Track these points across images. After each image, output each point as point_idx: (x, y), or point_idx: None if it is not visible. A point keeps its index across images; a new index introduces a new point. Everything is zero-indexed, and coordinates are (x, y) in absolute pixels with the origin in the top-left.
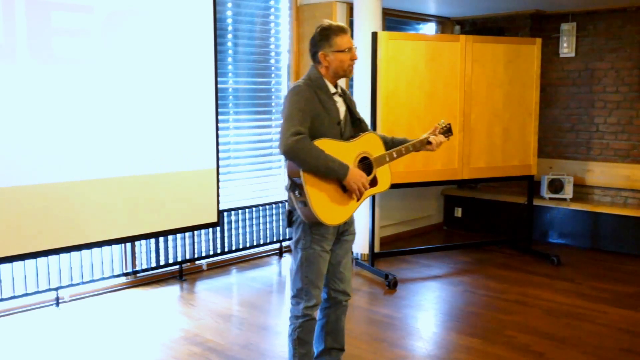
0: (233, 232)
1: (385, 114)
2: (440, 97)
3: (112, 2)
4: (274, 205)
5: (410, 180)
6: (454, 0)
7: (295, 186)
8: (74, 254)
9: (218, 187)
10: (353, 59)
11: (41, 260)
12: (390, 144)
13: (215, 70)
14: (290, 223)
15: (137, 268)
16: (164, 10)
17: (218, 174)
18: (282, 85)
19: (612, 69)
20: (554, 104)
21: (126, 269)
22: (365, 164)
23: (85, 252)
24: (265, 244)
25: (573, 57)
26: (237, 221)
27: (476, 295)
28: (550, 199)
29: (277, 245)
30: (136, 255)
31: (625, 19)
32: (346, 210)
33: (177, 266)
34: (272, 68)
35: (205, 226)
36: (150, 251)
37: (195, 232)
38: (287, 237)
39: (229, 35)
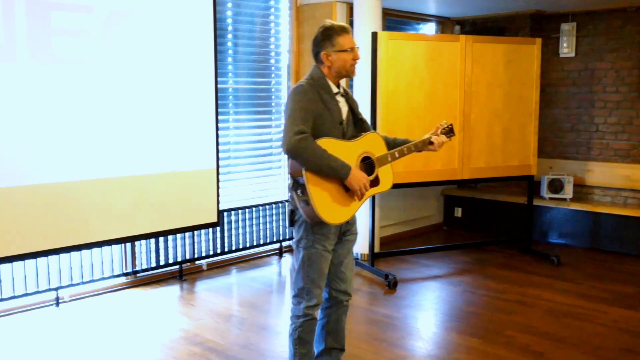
0: (233, 232)
1: (385, 114)
2: (440, 97)
3: (112, 2)
4: (274, 205)
5: (410, 180)
6: (454, 0)
7: (297, 185)
8: (74, 254)
9: (218, 187)
10: (355, 58)
11: (41, 260)
12: (392, 144)
13: (215, 70)
14: (292, 222)
15: (137, 268)
16: (164, 10)
17: (218, 174)
18: (282, 85)
19: (612, 69)
20: (554, 104)
21: (126, 269)
22: (367, 164)
23: (85, 252)
24: (265, 244)
25: (573, 57)
26: (237, 221)
27: (476, 295)
28: (550, 199)
29: (277, 245)
30: (136, 255)
31: (625, 19)
32: (348, 210)
33: (177, 266)
34: (272, 68)
35: (205, 226)
36: (150, 251)
37: (195, 232)
38: (287, 237)
39: (229, 35)
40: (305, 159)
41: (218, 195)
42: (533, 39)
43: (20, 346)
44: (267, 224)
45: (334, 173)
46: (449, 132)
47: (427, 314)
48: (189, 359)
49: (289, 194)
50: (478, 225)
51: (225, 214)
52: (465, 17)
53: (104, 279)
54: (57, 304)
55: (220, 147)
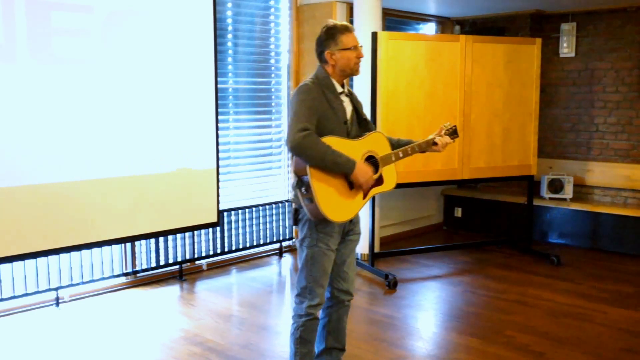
0: (233, 232)
1: (385, 114)
2: (440, 97)
3: (112, 2)
4: (274, 205)
5: (410, 180)
6: (454, 0)
7: (301, 183)
8: (74, 254)
9: (218, 187)
10: (359, 56)
11: (41, 260)
12: (396, 145)
13: (215, 70)
14: (296, 221)
15: (137, 268)
16: (164, 10)
17: (218, 174)
18: (282, 85)
19: (612, 69)
20: (554, 104)
21: (126, 269)
22: (371, 163)
23: (85, 252)
24: (265, 244)
25: (573, 57)
26: (237, 221)
27: (476, 295)
28: (550, 199)
29: (277, 245)
30: (136, 255)
31: (625, 19)
32: (352, 208)
33: (177, 266)
34: (272, 68)
35: (205, 226)
36: (150, 251)
37: (195, 232)
38: (287, 237)
39: (229, 35)
40: (309, 155)
41: (218, 195)
42: (533, 39)
43: (20, 346)
44: (267, 224)
45: (339, 168)
46: (453, 133)
47: (427, 314)
48: (189, 359)
49: (293, 193)
50: (478, 225)
51: (225, 214)
52: (465, 17)
53: (104, 279)
54: (57, 304)
55: (220, 147)
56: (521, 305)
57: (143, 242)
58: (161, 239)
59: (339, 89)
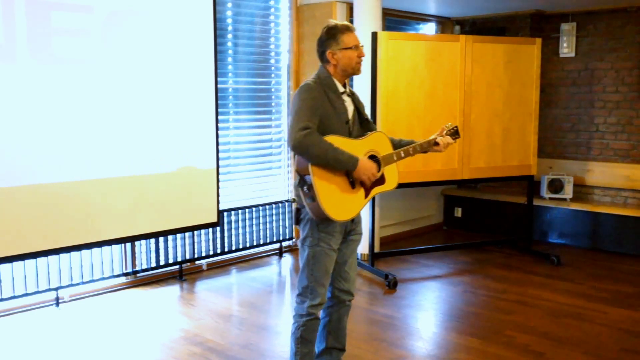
0: (233, 232)
1: (385, 114)
2: (440, 97)
3: (112, 2)
4: (274, 205)
5: (410, 180)
6: (454, 0)
7: (304, 182)
8: (74, 254)
9: (218, 187)
10: (360, 55)
11: (41, 260)
12: (397, 145)
13: (215, 70)
14: (298, 221)
15: (137, 268)
16: (164, 10)
17: (218, 174)
18: (282, 85)
19: (612, 69)
20: (554, 104)
21: (126, 269)
22: (374, 162)
23: (85, 252)
24: (265, 244)
25: (573, 57)
26: (237, 221)
27: (476, 295)
28: (550, 199)
29: (277, 245)
30: (136, 255)
31: (625, 19)
32: (354, 207)
33: (177, 266)
34: (272, 68)
35: (205, 226)
36: (150, 251)
37: (195, 232)
38: (287, 237)
39: (229, 35)
40: (311, 153)
41: (218, 195)
42: (533, 39)
43: (20, 346)
44: (267, 224)
45: (342, 166)
46: (455, 133)
47: (427, 314)
48: (189, 359)
49: (295, 192)
50: (478, 225)
51: (225, 214)
52: (465, 17)
53: (104, 279)
54: (57, 304)
55: (220, 147)
56: (521, 305)
57: (143, 242)
58: (161, 239)
59: (341, 88)
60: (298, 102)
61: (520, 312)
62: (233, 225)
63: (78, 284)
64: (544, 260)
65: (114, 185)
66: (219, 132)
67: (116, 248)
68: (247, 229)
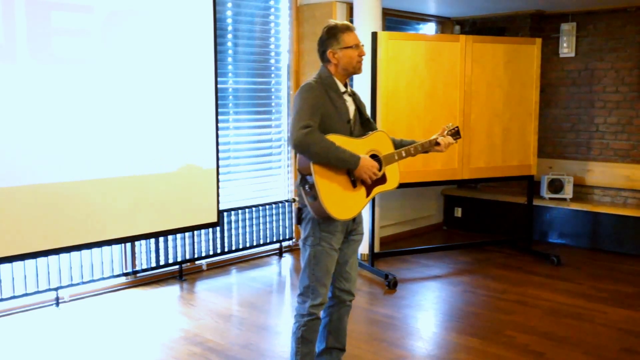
0: (233, 232)
1: (385, 114)
2: (440, 97)
3: (112, 2)
4: (274, 205)
5: (410, 180)
6: (454, 0)
7: (305, 181)
8: (74, 254)
9: (218, 187)
10: (361, 54)
11: (41, 260)
12: (398, 145)
13: (215, 70)
14: (299, 220)
15: (137, 268)
16: (164, 10)
17: (218, 174)
18: (282, 85)
19: (612, 69)
20: (554, 104)
21: (126, 269)
22: (375, 161)
23: (85, 252)
24: (265, 244)
25: (573, 57)
26: (237, 221)
27: (476, 295)
28: (550, 199)
29: (277, 245)
30: (136, 255)
31: (625, 19)
32: (355, 206)
33: (177, 266)
34: (272, 68)
35: (205, 226)
36: (150, 251)
37: (195, 232)
38: (287, 237)
39: (229, 35)
40: (312, 152)
41: (218, 195)
42: (533, 39)
43: (20, 346)
44: (267, 224)
45: (343, 164)
46: (456, 134)
47: (427, 314)
48: (189, 359)
49: (297, 191)
50: (478, 225)
51: (225, 214)
52: (465, 17)
53: (104, 279)
54: (57, 304)
55: (220, 147)
56: (521, 305)
57: (143, 242)
58: (161, 239)
59: (342, 88)
60: (299, 101)
61: (520, 312)
62: (233, 225)
63: (78, 284)
64: (544, 260)
65: (114, 185)
66: (219, 132)
67: (116, 248)
68: (247, 229)
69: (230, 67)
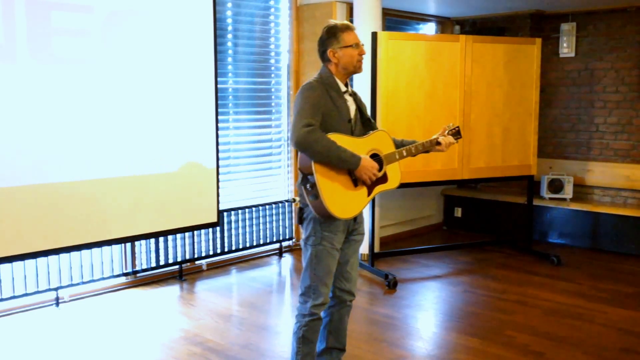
0: (233, 232)
1: (385, 114)
2: (440, 97)
3: (112, 2)
4: (273, 205)
5: (410, 180)
6: (454, 0)
7: (306, 180)
8: (74, 254)
9: (218, 187)
10: (361, 54)
11: (41, 260)
12: (399, 144)
13: (215, 70)
14: (300, 220)
15: (137, 268)
16: (164, 11)
17: (218, 173)
18: (282, 85)
19: (612, 69)
20: (554, 104)
21: (126, 269)
22: (376, 161)
23: (85, 252)
24: (265, 244)
25: (573, 57)
26: (237, 221)
27: (476, 295)
28: (550, 199)
29: (277, 245)
30: (136, 255)
31: (625, 19)
32: (357, 205)
33: (177, 266)
34: (272, 68)
35: (205, 226)
36: (150, 251)
37: (195, 232)
38: (287, 237)
39: (229, 35)
40: (313, 150)
41: (218, 195)
42: (533, 39)
43: (20, 346)
44: (267, 224)
45: (344, 164)
46: (456, 134)
47: (427, 314)
48: (189, 359)
49: (298, 190)
50: (478, 225)
51: (225, 214)
52: (465, 17)
53: (104, 279)
54: (57, 304)
55: (220, 147)
56: (521, 305)
57: (143, 242)
58: (161, 239)
59: (343, 88)
60: (301, 100)
61: (520, 312)
62: (233, 225)
63: (78, 284)
64: (544, 260)
65: (114, 185)
66: (219, 132)
67: (116, 248)
68: (247, 229)
69: (230, 67)
